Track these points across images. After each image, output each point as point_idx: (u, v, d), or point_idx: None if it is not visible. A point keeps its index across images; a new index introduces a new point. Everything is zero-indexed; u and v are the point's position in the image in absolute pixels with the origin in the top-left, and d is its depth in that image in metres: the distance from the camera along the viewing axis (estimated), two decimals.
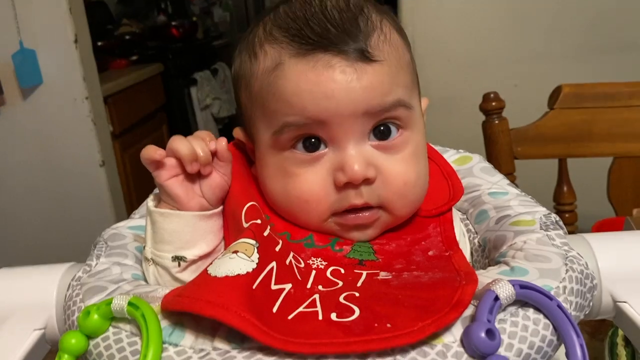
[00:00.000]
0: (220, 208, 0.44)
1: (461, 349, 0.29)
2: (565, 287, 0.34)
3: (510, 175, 1.04)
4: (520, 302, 0.32)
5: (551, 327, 0.32)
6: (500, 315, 0.31)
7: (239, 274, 0.33)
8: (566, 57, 1.68)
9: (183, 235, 0.41)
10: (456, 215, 0.47)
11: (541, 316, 0.32)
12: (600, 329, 0.70)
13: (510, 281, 0.31)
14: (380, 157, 0.42)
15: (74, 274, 0.41)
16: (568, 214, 1.05)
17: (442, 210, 0.45)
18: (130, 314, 0.32)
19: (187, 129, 2.86)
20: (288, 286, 0.35)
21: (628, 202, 1.04)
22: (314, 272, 0.38)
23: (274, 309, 0.32)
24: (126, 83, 2.34)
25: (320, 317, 0.31)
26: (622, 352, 0.58)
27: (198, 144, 0.42)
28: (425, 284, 0.35)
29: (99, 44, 2.55)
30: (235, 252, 0.35)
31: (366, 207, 0.42)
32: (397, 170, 0.42)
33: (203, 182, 0.43)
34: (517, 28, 1.69)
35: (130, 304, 0.32)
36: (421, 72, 1.64)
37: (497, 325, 0.30)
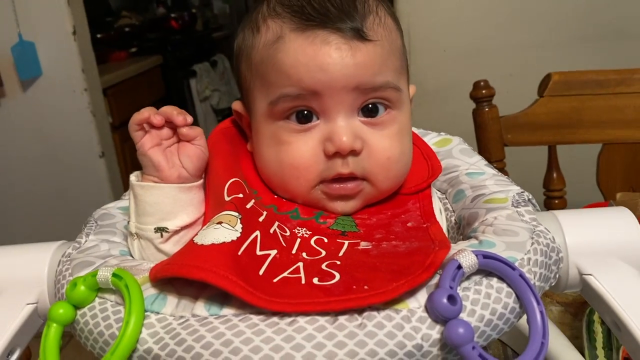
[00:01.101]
0: (201, 182, 0.46)
1: (425, 314, 0.31)
2: (530, 259, 0.36)
3: (500, 161, 1.05)
4: (485, 272, 0.34)
5: (514, 295, 0.33)
6: (465, 284, 0.33)
7: (224, 242, 0.36)
8: (561, 46, 1.69)
9: (164, 207, 0.43)
10: (434, 194, 0.49)
11: (504, 285, 0.34)
12: (584, 310, 0.72)
13: (474, 251, 0.33)
14: (367, 131, 0.44)
15: (64, 251, 0.42)
16: (557, 200, 1.06)
17: (421, 187, 0.47)
18: (115, 284, 0.34)
19: None
20: (274, 252, 0.37)
21: (616, 187, 1.06)
22: (298, 239, 0.40)
23: (260, 272, 0.34)
24: (125, 75, 2.35)
25: (303, 282, 0.33)
26: (598, 329, 0.60)
27: (166, 108, 0.46)
28: (402, 253, 0.37)
29: (98, 36, 2.57)
30: (220, 222, 0.38)
31: (351, 178, 0.44)
32: (382, 145, 0.44)
33: (181, 152, 0.45)
34: (512, 18, 1.70)
35: (114, 275, 0.34)
36: (417, 61, 1.66)
37: (461, 293, 0.32)
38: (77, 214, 1.98)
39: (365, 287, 0.32)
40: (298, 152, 0.44)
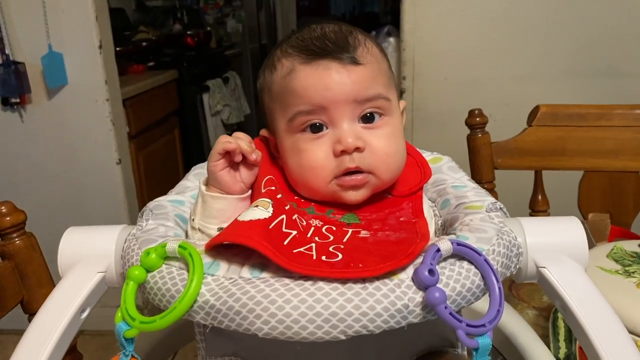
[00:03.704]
0: (250, 191, 0.59)
1: (411, 283, 0.42)
2: (494, 250, 0.47)
3: (490, 182, 1.16)
4: (459, 257, 0.45)
5: (479, 275, 0.44)
6: (442, 264, 0.44)
7: (259, 219, 0.48)
8: (554, 80, 1.81)
9: (226, 213, 0.56)
10: (426, 202, 0.60)
11: (472, 267, 0.44)
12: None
13: (450, 240, 0.44)
14: (367, 134, 0.56)
15: (128, 232, 0.53)
16: None
17: (413, 190, 0.58)
18: (180, 253, 0.45)
19: (198, 134, 3.00)
20: (294, 232, 0.48)
21: (595, 210, 1.17)
22: (312, 228, 0.51)
23: (285, 243, 0.46)
24: (143, 87, 2.47)
25: (314, 258, 0.44)
26: (561, 324, 0.71)
27: (242, 142, 0.57)
28: (392, 242, 0.48)
29: (118, 49, 2.69)
30: (257, 205, 0.50)
31: (358, 171, 0.56)
32: (380, 144, 0.56)
33: (243, 170, 0.58)
34: (510, 52, 1.82)
35: (180, 246, 0.45)
36: (420, 88, 1.81)
37: (439, 270, 0.43)
38: (92, 215, 2.10)
39: (360, 265, 0.43)
40: (314, 155, 0.56)
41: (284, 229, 0.48)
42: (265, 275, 0.43)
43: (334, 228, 0.52)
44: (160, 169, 2.62)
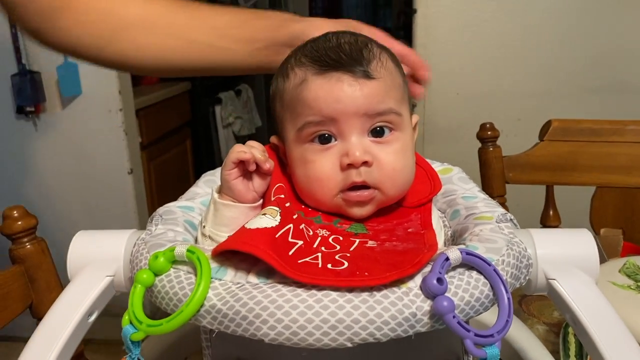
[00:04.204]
0: (262, 200, 0.58)
1: (419, 292, 0.41)
2: (504, 261, 0.46)
3: (501, 197, 1.16)
4: (468, 266, 0.44)
5: (488, 285, 0.44)
6: (451, 273, 0.43)
7: (266, 227, 0.47)
8: (566, 96, 1.80)
9: (238, 221, 0.55)
10: (435, 213, 0.59)
11: (482, 277, 0.44)
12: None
13: (459, 249, 0.44)
14: (376, 148, 0.55)
15: (137, 236, 0.54)
16: None
17: (423, 201, 0.58)
18: (189, 258, 0.45)
19: (210, 145, 3.02)
20: (300, 242, 0.48)
21: (607, 226, 1.16)
22: (319, 238, 0.51)
23: (290, 253, 0.45)
24: (156, 98, 2.50)
25: (319, 266, 0.44)
26: (572, 340, 0.70)
27: (256, 151, 0.56)
28: (399, 251, 0.47)
29: None
30: (264, 214, 0.49)
31: (365, 187, 0.55)
32: (388, 159, 0.55)
33: (255, 180, 0.57)
34: (522, 67, 1.82)
35: (188, 250, 0.45)
36: (432, 102, 1.81)
37: (447, 279, 0.43)
38: (103, 223, 2.11)
39: (366, 273, 0.42)
40: (321, 167, 0.56)
41: (290, 239, 0.48)
42: (272, 280, 0.42)
43: (341, 238, 0.52)
44: (172, 180, 2.63)
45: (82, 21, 0.75)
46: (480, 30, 1.83)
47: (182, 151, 2.85)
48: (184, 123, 2.88)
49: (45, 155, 2.11)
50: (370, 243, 0.50)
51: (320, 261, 0.45)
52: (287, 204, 0.53)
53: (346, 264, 0.44)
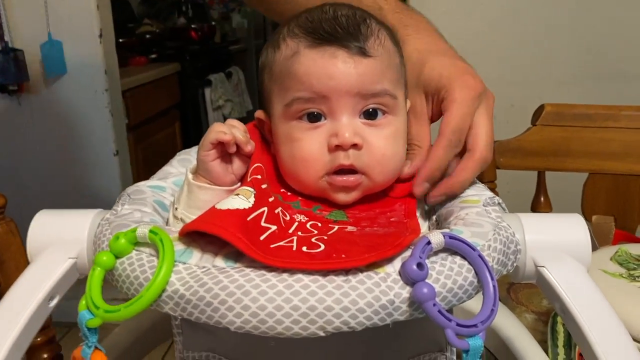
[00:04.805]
0: (239, 183, 0.55)
1: (398, 277, 0.38)
2: (490, 246, 0.43)
3: (491, 182, 1.13)
4: (451, 251, 0.41)
5: (473, 271, 0.41)
6: (433, 258, 0.40)
7: (237, 209, 0.44)
8: (561, 82, 1.77)
9: (212, 204, 0.50)
10: (421, 206, 0.56)
11: (465, 262, 0.41)
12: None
13: (442, 233, 0.41)
14: (366, 130, 0.52)
15: (102, 216, 0.50)
16: None
17: (408, 192, 0.55)
18: (151, 239, 0.41)
19: (199, 128, 2.97)
20: (274, 227, 0.44)
21: (599, 214, 1.13)
22: (296, 223, 0.48)
23: (261, 238, 0.42)
24: (144, 79, 2.45)
25: (294, 249, 0.41)
26: (560, 329, 0.67)
27: (237, 131, 0.53)
28: (379, 235, 0.44)
29: (121, 40, 2.67)
30: (237, 194, 0.46)
31: (352, 172, 0.52)
32: (379, 143, 0.52)
33: (235, 162, 0.54)
34: (516, 53, 1.79)
35: (151, 231, 0.41)
36: None
37: (429, 264, 0.40)
38: (89, 207, 2.07)
39: (343, 255, 0.39)
40: (307, 146, 0.52)
41: (262, 223, 0.44)
42: (240, 264, 0.39)
43: (320, 224, 0.48)
44: (159, 162, 2.56)
45: None
46: (474, 15, 1.79)
47: (170, 134, 2.80)
48: (172, 105, 2.83)
49: (29, 135, 2.06)
50: (350, 228, 0.47)
51: (295, 244, 0.42)
52: (264, 186, 0.50)
53: (322, 246, 0.41)
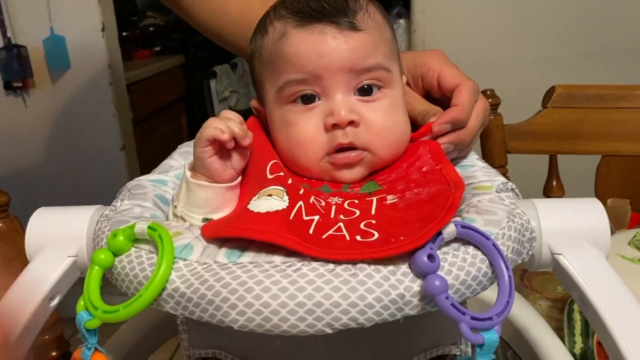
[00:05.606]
0: (240, 177, 0.52)
1: (408, 270, 0.37)
2: (504, 234, 0.41)
3: (502, 167, 1.11)
4: (464, 241, 0.40)
5: (487, 261, 0.39)
6: (445, 249, 0.39)
7: (277, 210, 0.42)
8: (571, 63, 1.74)
9: (213, 202, 0.49)
10: None
11: (479, 253, 0.39)
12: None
13: (453, 222, 0.39)
14: (362, 107, 0.51)
15: (101, 213, 0.49)
16: None
17: (427, 130, 0.54)
18: (150, 236, 0.40)
19: (205, 120, 2.95)
20: (316, 217, 0.43)
21: (613, 197, 1.11)
22: (334, 206, 0.46)
23: (310, 231, 0.40)
24: (149, 72, 2.44)
25: (347, 238, 0.39)
26: (577, 317, 0.65)
27: (234, 125, 0.50)
28: (424, 200, 0.43)
29: (124, 34, 2.66)
30: (270, 195, 0.44)
31: (352, 148, 0.51)
32: (377, 117, 0.51)
33: (233, 157, 0.51)
34: (524, 34, 1.76)
35: (150, 227, 0.40)
36: None
37: (441, 256, 0.38)
38: (96, 202, 2.06)
39: (401, 238, 0.37)
40: (304, 129, 0.51)
41: (304, 217, 0.42)
42: (243, 259, 0.38)
43: (357, 201, 0.47)
44: (166, 156, 2.57)
45: None
46: None
47: (177, 126, 2.79)
48: (178, 97, 2.82)
49: (35, 131, 2.05)
50: (390, 198, 0.46)
51: (345, 232, 0.40)
52: (290, 181, 0.48)
53: (376, 234, 0.39)
